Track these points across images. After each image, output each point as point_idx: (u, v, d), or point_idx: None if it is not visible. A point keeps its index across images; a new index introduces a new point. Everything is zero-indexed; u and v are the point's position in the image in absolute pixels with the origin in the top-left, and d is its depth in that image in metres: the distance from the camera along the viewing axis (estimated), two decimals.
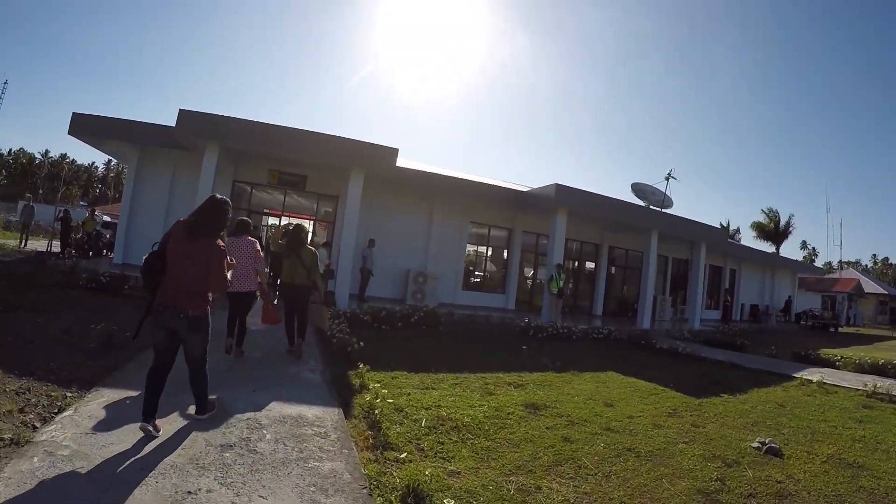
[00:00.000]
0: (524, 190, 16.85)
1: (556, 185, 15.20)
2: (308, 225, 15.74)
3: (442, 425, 4.73)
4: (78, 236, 16.58)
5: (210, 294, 3.78)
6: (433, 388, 6.05)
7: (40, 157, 79.04)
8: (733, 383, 8.50)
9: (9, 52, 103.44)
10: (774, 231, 46.17)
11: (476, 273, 18.16)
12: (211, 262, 3.61)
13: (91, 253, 16.17)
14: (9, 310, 7.07)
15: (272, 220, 16.55)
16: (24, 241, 18.05)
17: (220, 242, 3.74)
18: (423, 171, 15.41)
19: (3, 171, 76.08)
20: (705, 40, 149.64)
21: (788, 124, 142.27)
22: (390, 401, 5.01)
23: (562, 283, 14.93)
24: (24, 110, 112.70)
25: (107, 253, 17.21)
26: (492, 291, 17.78)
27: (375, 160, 12.47)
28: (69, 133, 13.70)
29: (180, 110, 11.37)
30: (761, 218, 47.57)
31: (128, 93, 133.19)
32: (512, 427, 4.95)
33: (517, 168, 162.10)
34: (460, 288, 16.80)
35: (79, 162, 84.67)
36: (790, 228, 46.74)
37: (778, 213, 46.95)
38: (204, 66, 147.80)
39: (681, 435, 5.28)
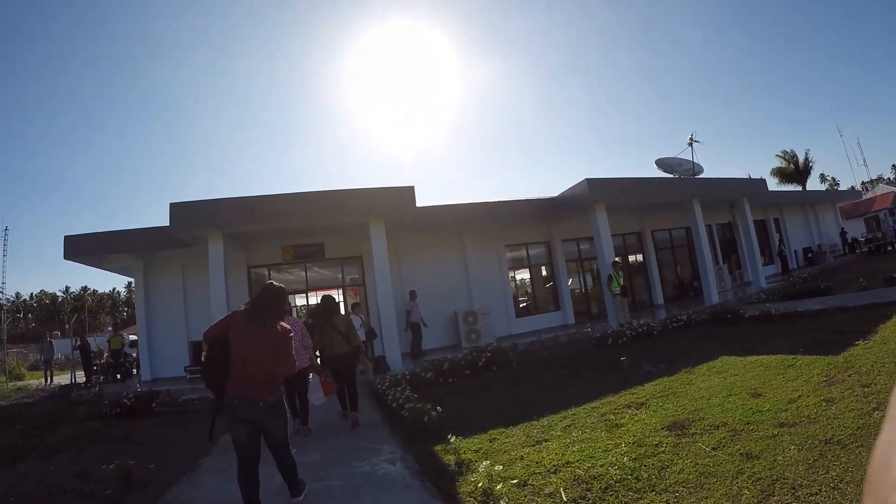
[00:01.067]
0: (552, 197, 15.28)
1: (587, 179, 13.71)
2: (337, 295, 14.34)
3: (588, 491, 3.53)
4: (102, 361, 15.23)
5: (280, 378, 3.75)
6: (546, 440, 4.86)
7: (62, 294, 79.64)
8: (856, 326, 7.44)
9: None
10: (796, 171, 43.90)
11: (525, 296, 16.43)
12: (280, 347, 3.56)
13: (120, 375, 14.75)
14: (18, 458, 6.09)
15: (299, 300, 15.09)
16: (48, 378, 16.83)
17: (286, 326, 3.72)
18: (446, 205, 13.96)
19: (29, 314, 76.55)
20: None
21: (775, 56, 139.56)
22: (506, 475, 3.92)
23: (623, 281, 13.39)
24: (31, 252, 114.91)
25: (137, 372, 15.85)
26: (546, 311, 16.06)
27: (394, 205, 11.07)
28: (65, 258, 12.60)
29: (171, 204, 10.13)
30: (779, 163, 45.29)
31: (123, 212, 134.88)
32: (673, 463, 3.81)
33: (521, 185, 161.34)
34: (513, 317, 15.13)
35: (100, 291, 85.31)
36: (810, 164, 44.45)
37: (794, 153, 44.80)
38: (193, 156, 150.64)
39: (861, 402, 4.29)
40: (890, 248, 26.32)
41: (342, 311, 8.15)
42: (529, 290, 16.43)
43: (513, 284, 15.98)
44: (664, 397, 5.74)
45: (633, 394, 6.09)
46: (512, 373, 9.04)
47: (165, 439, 6.81)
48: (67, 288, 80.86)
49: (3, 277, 20.60)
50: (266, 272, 13.89)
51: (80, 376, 15.47)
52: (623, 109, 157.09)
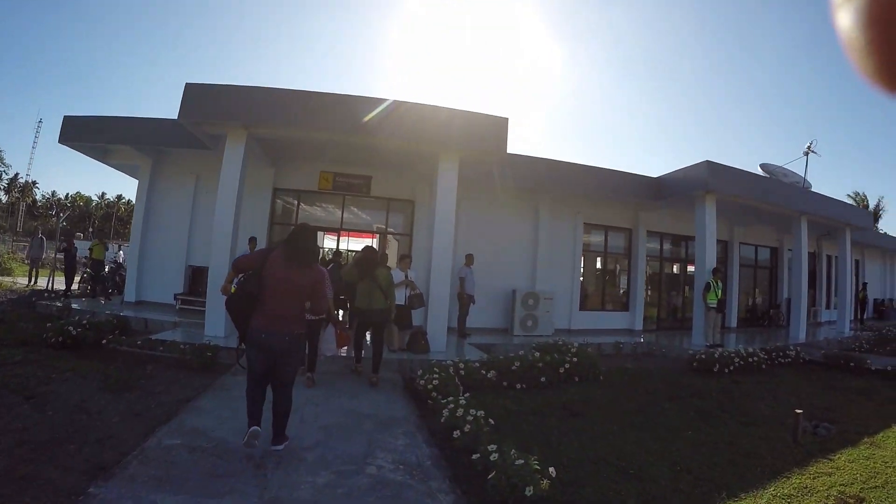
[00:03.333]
0: (655, 176, 12.05)
1: (708, 162, 10.56)
2: (374, 244, 11.52)
3: None
4: (86, 271, 12.59)
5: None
6: None
7: (97, 198, 78.54)
8: None
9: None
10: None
11: (593, 287, 13.32)
12: (317, 288, 3.67)
13: (111, 290, 12.12)
14: None
15: (328, 242, 12.25)
16: (32, 278, 14.34)
17: (322, 269, 3.81)
18: (529, 157, 10.83)
19: (62, 213, 75.81)
20: None
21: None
22: None
23: (721, 293, 10.63)
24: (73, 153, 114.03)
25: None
26: (613, 310, 13.00)
27: (480, 136, 7.99)
28: (60, 141, 10.00)
29: (187, 84, 7.30)
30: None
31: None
32: None
33: None
34: (577, 308, 12.10)
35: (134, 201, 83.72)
36: (881, 211, 40.00)
37: (865, 196, 40.25)
38: None
39: None
40: None
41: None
42: (600, 280, 13.30)
43: (583, 270, 12.84)
44: (881, 488, 3.74)
45: (826, 474, 4.00)
46: (603, 392, 6.40)
47: (86, 406, 4.08)
48: (103, 193, 79.70)
49: (29, 167, 18.12)
50: (295, 201, 11.05)
51: (61, 283, 12.91)
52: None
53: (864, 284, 20.77)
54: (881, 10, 0.31)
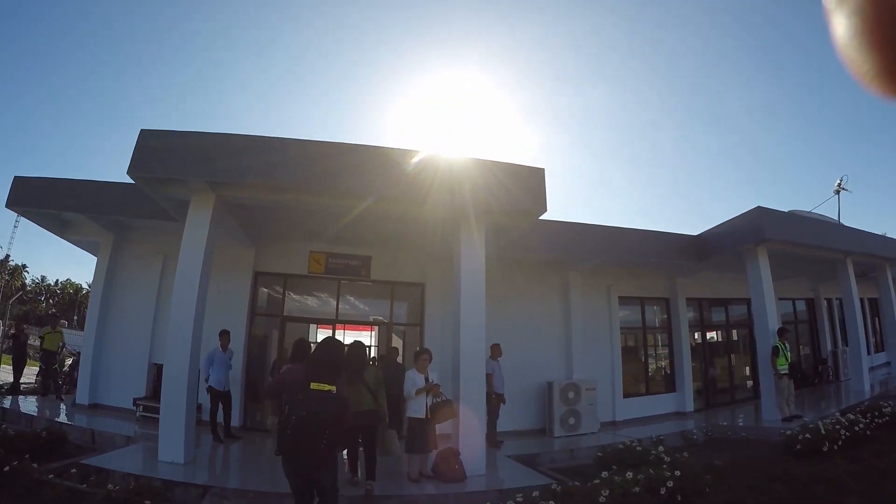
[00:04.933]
0: (693, 234, 10.35)
1: (760, 208, 9.06)
2: (370, 338, 9.55)
3: None
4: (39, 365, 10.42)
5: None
6: None
7: (88, 286, 76.15)
8: None
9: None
10: None
11: (635, 370, 11.15)
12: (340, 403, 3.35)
13: (65, 388, 9.83)
14: None
15: (320, 335, 10.24)
16: None
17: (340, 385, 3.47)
18: (558, 221, 8.96)
19: (51, 300, 72.88)
20: None
21: None
22: None
23: (790, 357, 9.33)
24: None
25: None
26: (657, 391, 10.82)
27: (513, 193, 6.14)
28: (8, 205, 8.32)
29: (141, 131, 5.63)
30: None
31: None
32: None
33: None
34: (620, 395, 9.93)
35: None
36: None
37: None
38: None
39: None
40: None
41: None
42: (642, 361, 11.18)
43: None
44: None
45: None
46: None
47: None
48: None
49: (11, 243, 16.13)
50: (280, 288, 9.09)
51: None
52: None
53: None
54: (879, 12, 0.31)
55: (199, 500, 2.70)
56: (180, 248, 5.93)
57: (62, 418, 7.56)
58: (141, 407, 8.09)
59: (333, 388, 3.27)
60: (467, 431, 5.80)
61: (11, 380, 9.98)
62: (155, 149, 5.60)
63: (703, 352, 11.97)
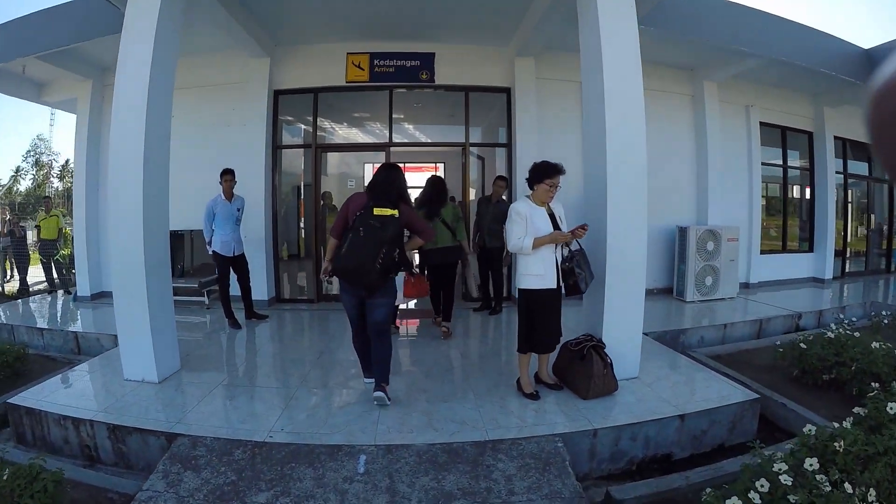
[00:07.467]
0: (864, 47, 7.34)
1: None
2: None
3: None
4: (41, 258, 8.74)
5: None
6: None
7: None
8: None
9: None
10: None
11: (772, 219, 8.50)
12: (410, 220, 3.16)
13: (68, 283, 8.16)
14: None
15: (367, 168, 7.96)
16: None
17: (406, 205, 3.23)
18: None
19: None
20: None
21: None
22: None
23: None
24: None
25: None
26: (792, 250, 8.34)
27: None
28: None
29: None
30: None
31: None
32: None
33: None
34: (756, 252, 7.51)
35: None
36: None
37: None
38: None
39: None
40: None
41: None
42: (778, 207, 8.52)
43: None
44: None
45: None
46: None
47: None
48: None
49: None
50: (309, 107, 6.46)
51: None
52: None
53: None
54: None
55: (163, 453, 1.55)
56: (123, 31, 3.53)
57: (41, 323, 5.70)
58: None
59: (396, 213, 3.00)
60: (613, 313, 3.51)
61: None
62: None
63: (846, 208, 9.22)
